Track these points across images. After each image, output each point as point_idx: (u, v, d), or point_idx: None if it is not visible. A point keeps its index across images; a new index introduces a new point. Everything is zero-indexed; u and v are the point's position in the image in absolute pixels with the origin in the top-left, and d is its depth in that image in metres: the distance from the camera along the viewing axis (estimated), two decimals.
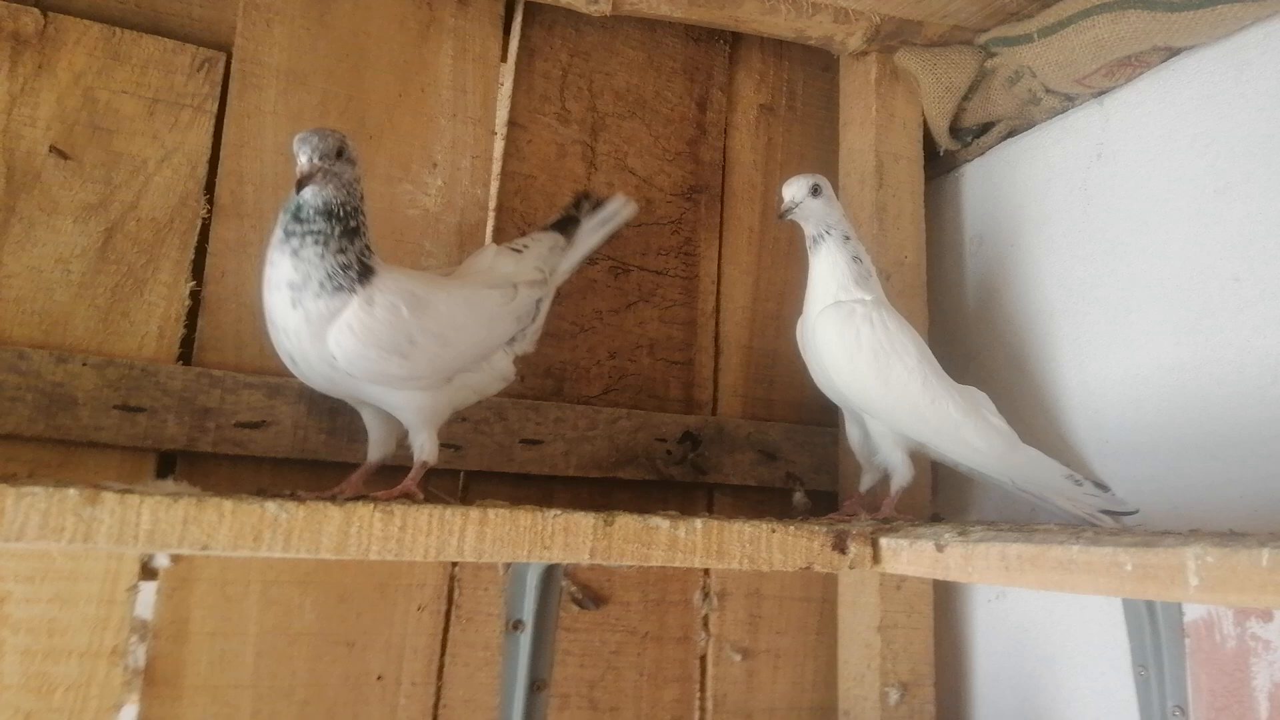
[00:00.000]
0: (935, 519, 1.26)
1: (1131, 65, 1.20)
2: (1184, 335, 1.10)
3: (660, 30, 1.45)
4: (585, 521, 0.87)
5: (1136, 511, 1.07)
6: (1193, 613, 1.01)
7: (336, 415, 1.16)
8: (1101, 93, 1.26)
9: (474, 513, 0.84)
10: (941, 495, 1.36)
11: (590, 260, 1.35)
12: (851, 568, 0.97)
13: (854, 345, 1.12)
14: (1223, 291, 1.07)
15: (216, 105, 1.19)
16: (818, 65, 1.55)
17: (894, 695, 1.25)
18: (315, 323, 0.95)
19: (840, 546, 0.97)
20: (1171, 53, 1.17)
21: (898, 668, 1.26)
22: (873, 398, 1.13)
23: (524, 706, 1.04)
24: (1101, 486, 1.09)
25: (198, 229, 1.16)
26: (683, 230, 1.44)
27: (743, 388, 1.44)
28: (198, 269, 1.16)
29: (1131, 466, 1.14)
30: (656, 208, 1.43)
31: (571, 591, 1.23)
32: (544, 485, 1.26)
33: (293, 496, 0.87)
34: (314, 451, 1.15)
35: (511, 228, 1.32)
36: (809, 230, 1.18)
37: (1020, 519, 1.19)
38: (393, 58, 1.31)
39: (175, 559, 1.07)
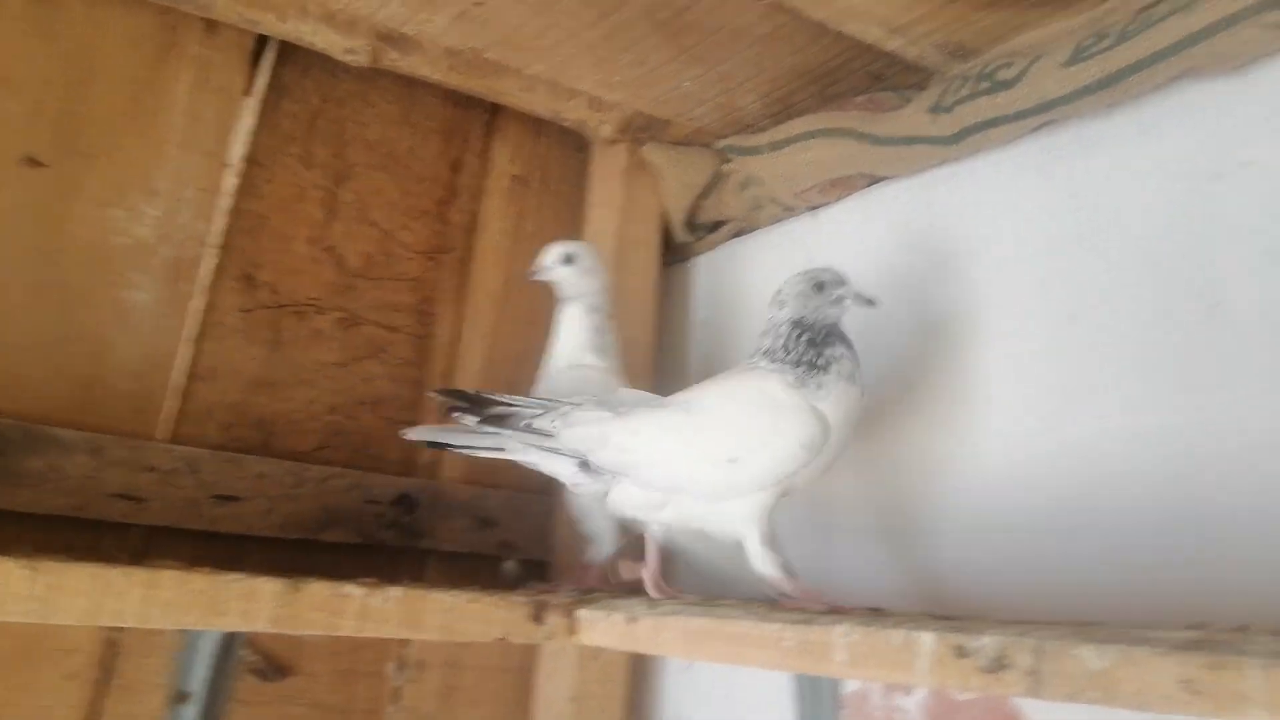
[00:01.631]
0: (636, 590, 1.29)
1: (842, 186, 1.33)
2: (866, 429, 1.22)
3: (419, 88, 1.45)
4: (268, 587, 0.82)
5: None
6: (849, 685, 1.10)
7: None
8: (816, 207, 1.38)
9: (139, 574, 0.77)
10: None
11: (318, 310, 1.31)
12: (548, 639, 0.98)
13: None
14: (898, 395, 1.19)
15: None
16: (572, 145, 1.60)
17: None
18: None
19: (538, 617, 0.97)
20: (875, 179, 1.30)
21: None
22: None
23: None
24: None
25: None
26: (422, 288, 1.43)
27: None
28: None
29: (813, 546, 1.24)
30: (396, 263, 1.41)
31: (251, 661, 1.15)
32: (236, 545, 1.17)
33: None
34: None
35: (236, 267, 1.26)
36: (560, 294, 1.24)
37: (715, 592, 1.25)
38: (123, 76, 1.22)
39: None
